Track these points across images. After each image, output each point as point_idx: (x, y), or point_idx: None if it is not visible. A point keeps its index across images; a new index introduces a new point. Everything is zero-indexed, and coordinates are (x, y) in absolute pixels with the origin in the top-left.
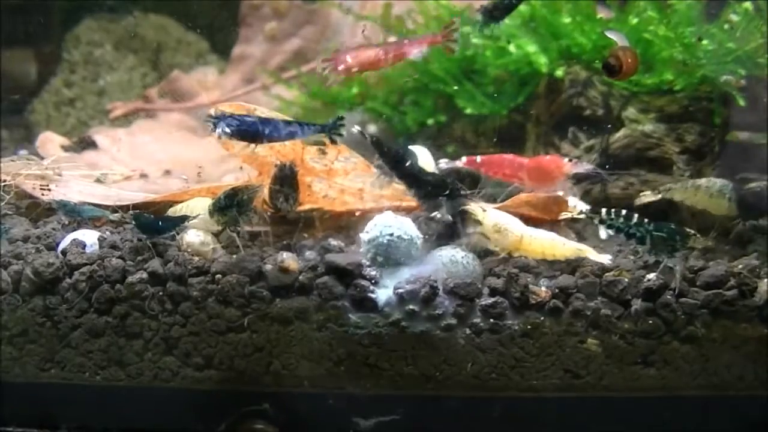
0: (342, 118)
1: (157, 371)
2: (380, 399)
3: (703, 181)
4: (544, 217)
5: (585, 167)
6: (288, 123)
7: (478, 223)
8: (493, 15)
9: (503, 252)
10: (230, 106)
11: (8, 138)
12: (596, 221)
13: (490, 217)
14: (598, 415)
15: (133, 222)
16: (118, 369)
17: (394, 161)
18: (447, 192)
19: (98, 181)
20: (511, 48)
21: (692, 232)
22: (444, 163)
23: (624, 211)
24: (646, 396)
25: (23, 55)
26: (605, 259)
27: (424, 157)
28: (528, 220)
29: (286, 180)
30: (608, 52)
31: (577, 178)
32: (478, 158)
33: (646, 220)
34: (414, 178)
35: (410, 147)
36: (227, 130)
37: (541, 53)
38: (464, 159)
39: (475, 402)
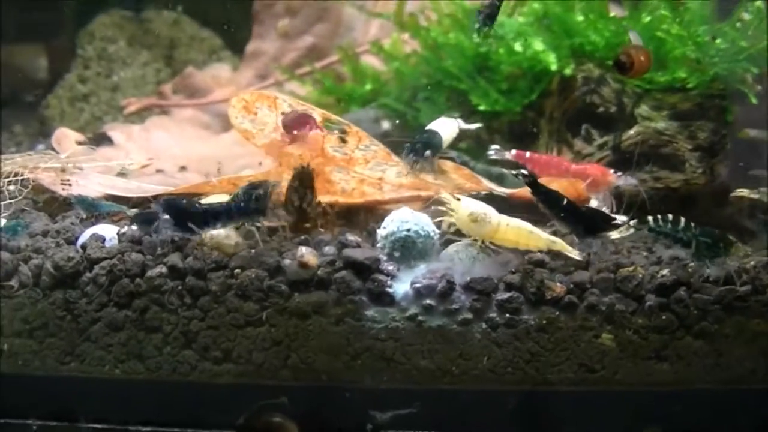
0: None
1: (176, 365)
2: (397, 392)
3: None
4: None
5: (629, 181)
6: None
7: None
8: (489, 17)
9: (479, 240)
10: (251, 94)
11: (23, 132)
12: (646, 230)
13: (465, 206)
14: (611, 408)
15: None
16: (138, 362)
17: (550, 200)
18: (605, 223)
19: (121, 174)
20: (518, 47)
21: (734, 239)
22: (493, 152)
23: (671, 216)
24: (660, 390)
25: (33, 50)
26: (576, 254)
27: (447, 128)
28: None
29: (304, 181)
30: (621, 50)
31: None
32: (527, 154)
33: (692, 224)
34: (571, 214)
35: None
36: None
37: (550, 52)
38: (513, 152)
39: (490, 395)
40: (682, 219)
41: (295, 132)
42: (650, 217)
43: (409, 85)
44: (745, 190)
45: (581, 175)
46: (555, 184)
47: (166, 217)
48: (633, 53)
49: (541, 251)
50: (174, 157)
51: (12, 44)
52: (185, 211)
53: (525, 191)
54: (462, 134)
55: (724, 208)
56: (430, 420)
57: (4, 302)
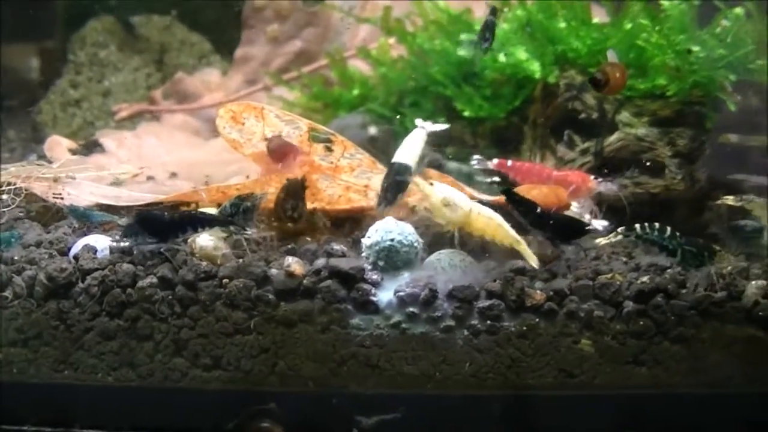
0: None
1: (167, 372)
2: (382, 398)
3: None
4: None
5: (609, 187)
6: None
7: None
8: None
9: (451, 226)
10: (238, 105)
11: (16, 138)
12: (633, 237)
13: (438, 191)
14: (591, 412)
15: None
16: (130, 370)
17: (523, 208)
18: (579, 231)
19: (114, 183)
20: (502, 58)
21: (719, 248)
22: (476, 161)
23: (657, 225)
24: (638, 393)
25: (25, 50)
26: (534, 261)
27: (415, 149)
28: None
29: (294, 193)
30: (597, 68)
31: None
32: (509, 162)
33: (678, 233)
34: (545, 222)
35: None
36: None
37: (534, 60)
38: (495, 161)
39: (472, 400)
40: (668, 228)
41: (279, 164)
42: (637, 225)
43: (396, 91)
44: (730, 197)
45: (562, 181)
46: (536, 191)
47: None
48: (608, 70)
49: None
50: (165, 164)
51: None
52: (159, 223)
53: None
54: (445, 138)
55: (703, 214)
56: (415, 424)
57: None
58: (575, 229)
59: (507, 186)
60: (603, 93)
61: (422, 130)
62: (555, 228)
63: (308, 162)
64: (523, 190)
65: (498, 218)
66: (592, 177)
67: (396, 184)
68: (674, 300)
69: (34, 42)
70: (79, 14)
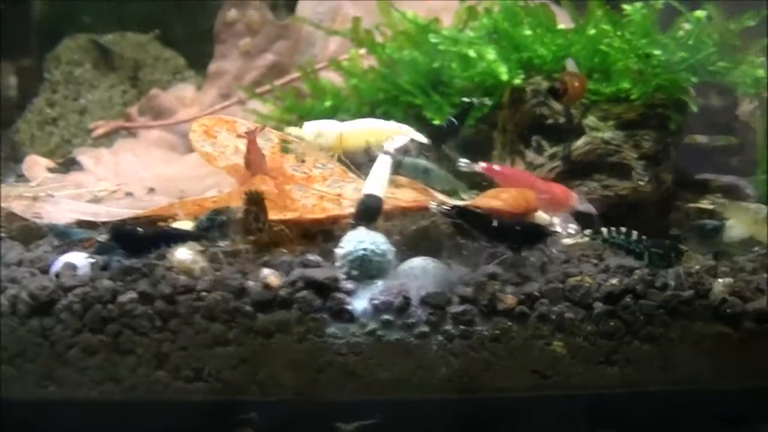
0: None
1: (149, 385)
2: (360, 404)
3: (753, 206)
4: (513, 211)
5: (586, 207)
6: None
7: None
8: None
9: (331, 153)
10: (210, 119)
11: None
12: (599, 240)
13: (307, 130)
14: (565, 412)
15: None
16: (113, 384)
17: (479, 223)
18: (539, 236)
19: (93, 200)
20: (471, 53)
21: (686, 249)
22: (463, 164)
23: (624, 229)
24: (610, 393)
25: (3, 69)
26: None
27: (383, 177)
28: (500, 214)
29: (255, 204)
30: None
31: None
32: (497, 167)
33: (644, 237)
34: (503, 232)
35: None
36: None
37: (502, 63)
38: (483, 165)
39: (448, 403)
40: (635, 232)
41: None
42: (604, 229)
43: (367, 101)
44: (704, 201)
45: (546, 192)
46: (506, 194)
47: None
48: (567, 80)
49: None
50: (142, 179)
51: None
52: (133, 238)
53: (479, 202)
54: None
55: (670, 214)
56: (392, 429)
57: None
58: (534, 235)
59: (457, 207)
60: (562, 102)
61: (386, 156)
62: (514, 236)
63: (280, 172)
64: (492, 194)
65: (366, 123)
66: (575, 195)
67: (368, 212)
68: (643, 300)
69: (11, 61)
70: (53, 33)
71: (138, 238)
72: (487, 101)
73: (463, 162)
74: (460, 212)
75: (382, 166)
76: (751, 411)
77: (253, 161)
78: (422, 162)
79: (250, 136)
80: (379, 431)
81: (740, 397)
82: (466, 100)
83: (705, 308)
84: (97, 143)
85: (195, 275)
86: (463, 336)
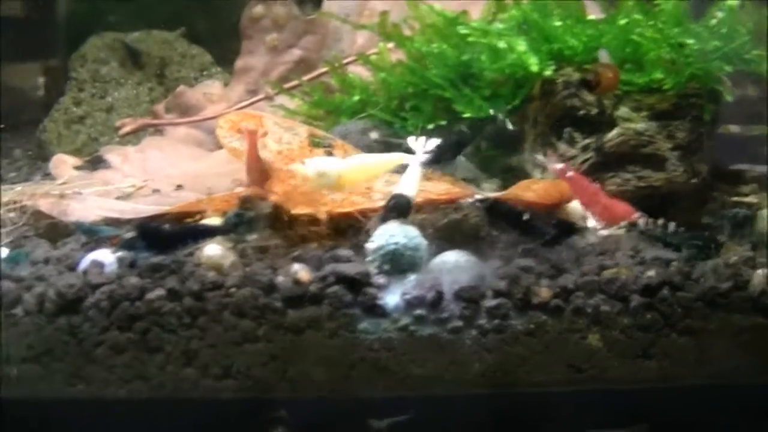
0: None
1: (178, 383)
2: (392, 400)
3: None
4: (545, 202)
5: (648, 226)
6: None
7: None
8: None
9: (333, 192)
10: (237, 115)
11: (22, 156)
12: (636, 232)
13: (310, 167)
14: (601, 406)
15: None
16: (141, 382)
17: (510, 218)
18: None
19: (120, 197)
20: (501, 44)
21: (724, 240)
22: (542, 157)
23: (661, 221)
24: (647, 387)
25: (29, 69)
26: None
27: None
28: (532, 206)
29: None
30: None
31: None
32: (570, 173)
33: (682, 228)
34: (532, 227)
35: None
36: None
37: (532, 54)
38: (559, 166)
39: (483, 399)
40: (672, 223)
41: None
42: (641, 221)
43: (396, 95)
44: (749, 196)
45: (607, 209)
46: (537, 185)
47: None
48: (600, 71)
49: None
50: (170, 176)
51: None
52: (159, 234)
53: (512, 193)
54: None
55: (706, 205)
56: (425, 425)
57: (10, 330)
58: (564, 230)
59: (489, 202)
60: (596, 93)
61: (416, 162)
62: (544, 231)
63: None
64: (525, 186)
65: (367, 159)
66: (636, 214)
67: (398, 209)
68: (681, 292)
69: (37, 60)
70: (79, 32)
71: (164, 235)
72: (510, 125)
73: (540, 156)
74: (491, 206)
75: (413, 170)
76: None
77: (252, 169)
78: (395, 140)
79: (251, 138)
80: (412, 428)
81: None
82: (491, 113)
83: (744, 300)
84: (123, 141)
85: (224, 271)
86: (497, 330)
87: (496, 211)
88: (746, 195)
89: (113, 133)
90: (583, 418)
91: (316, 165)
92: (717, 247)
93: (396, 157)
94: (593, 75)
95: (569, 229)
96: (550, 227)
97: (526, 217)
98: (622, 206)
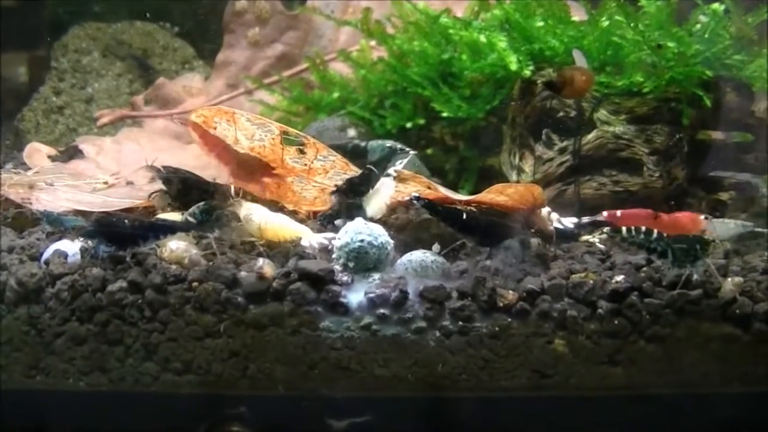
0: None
1: (138, 376)
2: (353, 400)
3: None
4: (519, 206)
5: (716, 227)
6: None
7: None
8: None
9: (253, 238)
10: (210, 110)
11: None
12: (618, 239)
13: (243, 210)
14: (565, 413)
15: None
16: (101, 375)
17: (448, 218)
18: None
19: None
20: (482, 38)
21: (712, 239)
22: (586, 220)
23: (644, 228)
24: (613, 395)
25: (10, 58)
26: (317, 239)
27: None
28: (505, 209)
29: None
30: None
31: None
32: (618, 212)
33: (665, 234)
34: (474, 226)
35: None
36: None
37: (511, 52)
38: (605, 213)
39: (445, 402)
40: (655, 230)
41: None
42: (624, 228)
43: (376, 93)
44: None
45: (673, 224)
46: (512, 189)
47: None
48: (567, 74)
49: None
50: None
51: None
52: (117, 227)
53: (487, 196)
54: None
55: (681, 210)
56: (386, 427)
57: None
58: (504, 231)
59: (426, 201)
60: (563, 96)
61: (390, 179)
62: (487, 231)
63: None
64: (498, 189)
65: (281, 220)
66: (702, 217)
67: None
68: (649, 298)
69: (19, 50)
70: (62, 21)
71: (122, 230)
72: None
73: (586, 219)
74: (428, 205)
75: (386, 188)
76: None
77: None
78: (388, 142)
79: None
80: (371, 429)
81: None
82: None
83: (713, 308)
84: (102, 132)
85: (185, 265)
86: (461, 332)
87: (433, 210)
88: (723, 202)
89: (92, 124)
90: None
91: (247, 210)
92: (704, 247)
93: (304, 230)
94: (559, 77)
95: (507, 230)
96: (487, 228)
97: (464, 216)
98: (685, 216)
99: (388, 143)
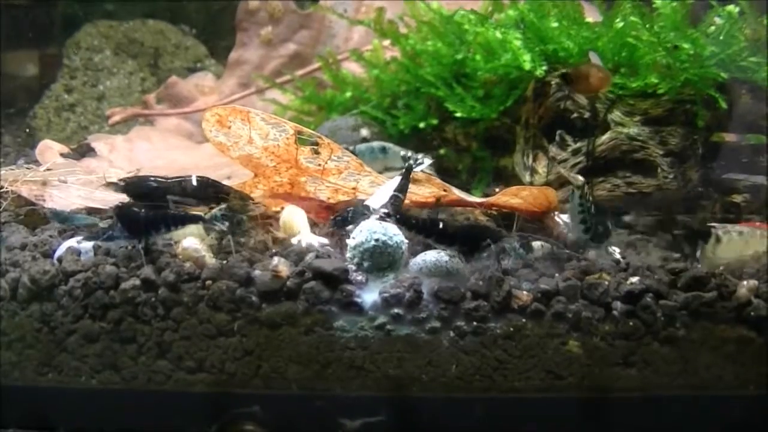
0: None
1: (150, 375)
2: (366, 400)
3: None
4: (533, 209)
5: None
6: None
7: None
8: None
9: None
10: (224, 109)
11: (11, 143)
12: None
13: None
14: (578, 415)
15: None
16: (113, 373)
17: (423, 229)
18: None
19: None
20: (497, 35)
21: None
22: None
23: None
24: (627, 396)
25: (22, 56)
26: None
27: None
28: (519, 212)
29: None
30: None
31: None
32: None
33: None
34: (449, 235)
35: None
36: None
37: (525, 51)
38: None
39: (459, 403)
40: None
41: None
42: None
43: (389, 92)
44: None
45: None
46: (525, 192)
47: (119, 225)
48: (583, 69)
49: None
50: (157, 167)
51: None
52: (138, 217)
53: (501, 199)
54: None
55: (696, 212)
56: (399, 427)
57: None
58: (481, 238)
59: (398, 215)
60: (576, 90)
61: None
62: (463, 239)
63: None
64: (513, 192)
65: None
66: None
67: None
68: (664, 300)
69: (31, 48)
70: (74, 19)
71: (140, 219)
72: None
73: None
74: (401, 221)
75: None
76: None
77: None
78: (377, 143)
79: None
80: (384, 429)
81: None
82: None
83: (728, 311)
84: (114, 130)
85: (199, 263)
86: (475, 333)
87: (406, 224)
88: (737, 204)
89: (104, 122)
90: None
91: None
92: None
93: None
94: (573, 70)
95: (484, 236)
96: (463, 236)
97: (441, 226)
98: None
99: (404, 152)
